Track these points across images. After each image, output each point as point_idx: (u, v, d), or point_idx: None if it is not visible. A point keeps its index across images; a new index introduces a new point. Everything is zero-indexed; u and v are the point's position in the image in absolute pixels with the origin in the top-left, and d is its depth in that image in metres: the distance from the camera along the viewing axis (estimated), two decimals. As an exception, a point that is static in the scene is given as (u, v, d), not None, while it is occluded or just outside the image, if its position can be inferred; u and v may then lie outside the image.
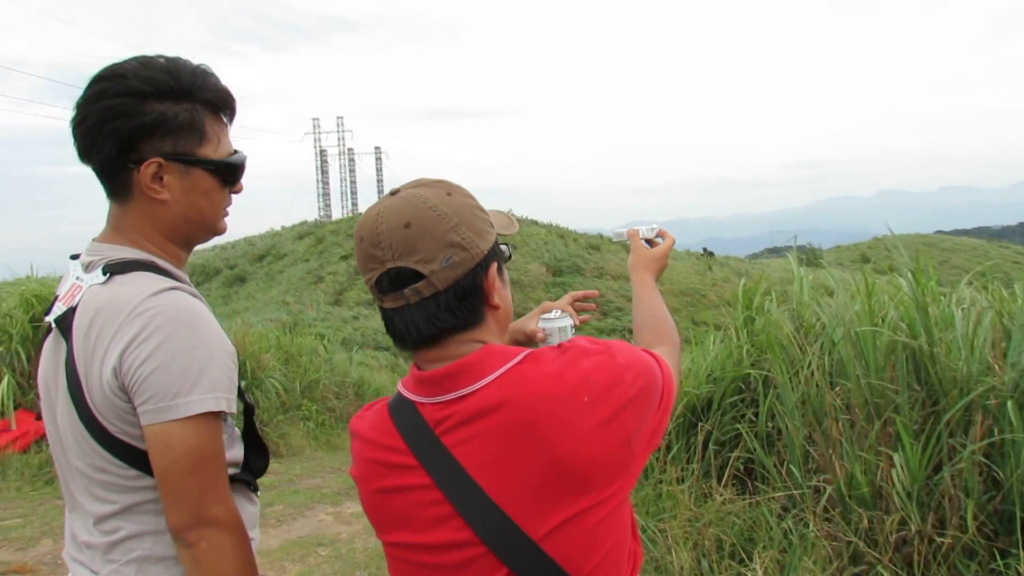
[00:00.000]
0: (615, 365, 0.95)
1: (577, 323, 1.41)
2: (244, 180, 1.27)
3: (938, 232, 77.21)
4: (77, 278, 1.17)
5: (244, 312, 24.09)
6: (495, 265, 1.01)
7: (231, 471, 1.20)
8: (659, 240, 1.50)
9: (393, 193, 1.01)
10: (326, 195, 55.11)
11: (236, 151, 1.25)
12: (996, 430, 2.62)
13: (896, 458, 2.66)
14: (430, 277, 0.95)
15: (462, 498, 0.93)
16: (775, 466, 3.17)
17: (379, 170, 59.95)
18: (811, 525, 2.77)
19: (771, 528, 2.91)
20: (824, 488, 2.90)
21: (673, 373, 1.08)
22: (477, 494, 0.92)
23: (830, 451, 2.92)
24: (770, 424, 3.35)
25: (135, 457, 1.12)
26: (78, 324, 1.12)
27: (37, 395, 1.26)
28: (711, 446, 3.48)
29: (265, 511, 4.81)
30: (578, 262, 35.09)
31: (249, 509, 1.26)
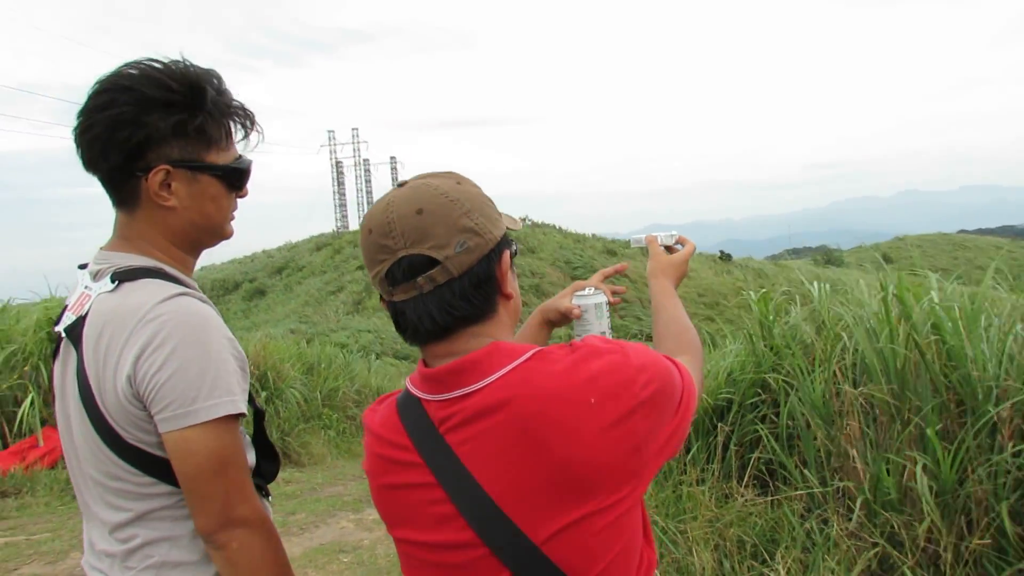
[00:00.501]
0: (627, 366, 0.91)
1: (612, 300, 1.37)
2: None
3: (961, 231, 76.04)
4: (86, 287, 1.18)
5: (264, 324, 24.31)
6: (507, 253, 0.99)
7: None
8: (678, 247, 1.47)
9: (401, 185, 0.99)
10: (343, 206, 55.36)
11: (241, 156, 1.25)
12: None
13: (923, 460, 2.61)
14: (445, 263, 0.92)
15: (464, 498, 0.90)
16: (796, 467, 3.13)
17: (395, 180, 60.18)
18: (835, 525, 2.73)
19: (794, 528, 2.87)
20: (847, 489, 2.85)
21: (695, 381, 1.03)
22: (479, 495, 0.89)
23: (853, 452, 2.87)
24: (791, 423, 3.30)
25: (149, 464, 1.12)
26: (88, 333, 1.12)
27: (55, 408, 1.26)
28: (731, 447, 3.44)
29: (287, 519, 4.84)
30: (595, 266, 35.09)
31: (263, 513, 1.27)
